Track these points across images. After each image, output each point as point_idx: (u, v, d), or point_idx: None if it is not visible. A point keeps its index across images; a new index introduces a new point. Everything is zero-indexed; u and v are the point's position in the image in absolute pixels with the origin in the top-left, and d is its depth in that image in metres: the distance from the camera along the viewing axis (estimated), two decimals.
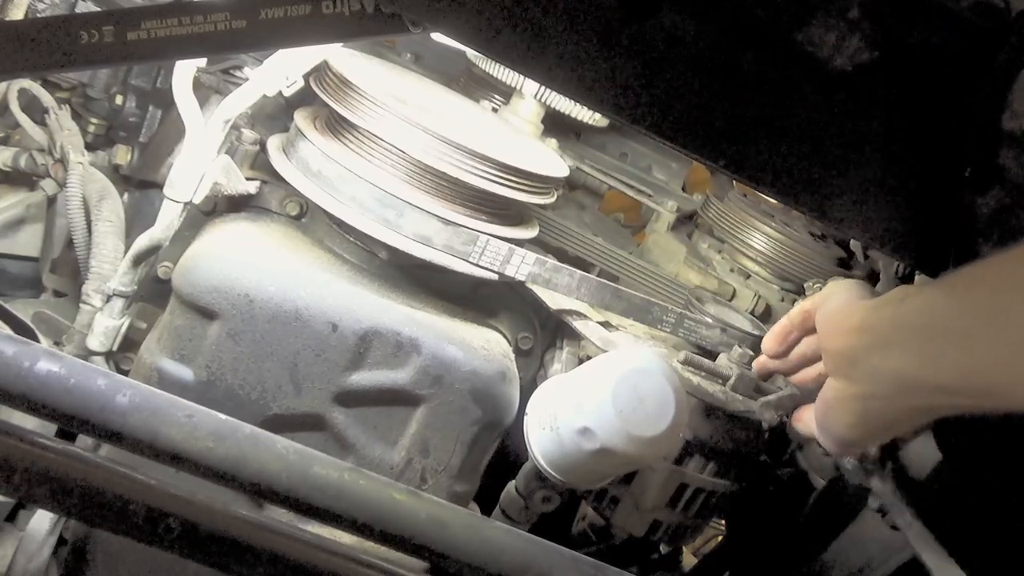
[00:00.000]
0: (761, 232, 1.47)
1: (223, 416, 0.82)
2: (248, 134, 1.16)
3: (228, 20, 0.75)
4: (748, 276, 1.46)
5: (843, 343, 0.76)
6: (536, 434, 1.04)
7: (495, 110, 1.45)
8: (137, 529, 0.78)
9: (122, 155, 1.44)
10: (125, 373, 1.12)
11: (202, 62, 1.25)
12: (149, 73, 1.43)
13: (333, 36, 0.79)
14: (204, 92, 1.28)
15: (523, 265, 1.13)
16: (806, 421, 0.90)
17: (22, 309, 1.21)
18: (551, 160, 1.24)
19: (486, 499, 1.19)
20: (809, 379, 0.97)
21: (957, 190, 0.80)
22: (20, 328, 1.14)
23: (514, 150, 1.16)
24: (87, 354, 1.14)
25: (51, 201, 1.44)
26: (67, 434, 0.96)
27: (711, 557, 1.57)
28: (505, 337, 1.19)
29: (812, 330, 0.93)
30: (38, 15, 1.28)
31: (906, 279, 1.35)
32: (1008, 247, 0.78)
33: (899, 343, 0.69)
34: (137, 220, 1.33)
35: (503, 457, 1.18)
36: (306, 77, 1.14)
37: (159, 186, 1.20)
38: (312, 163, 1.11)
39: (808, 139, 0.80)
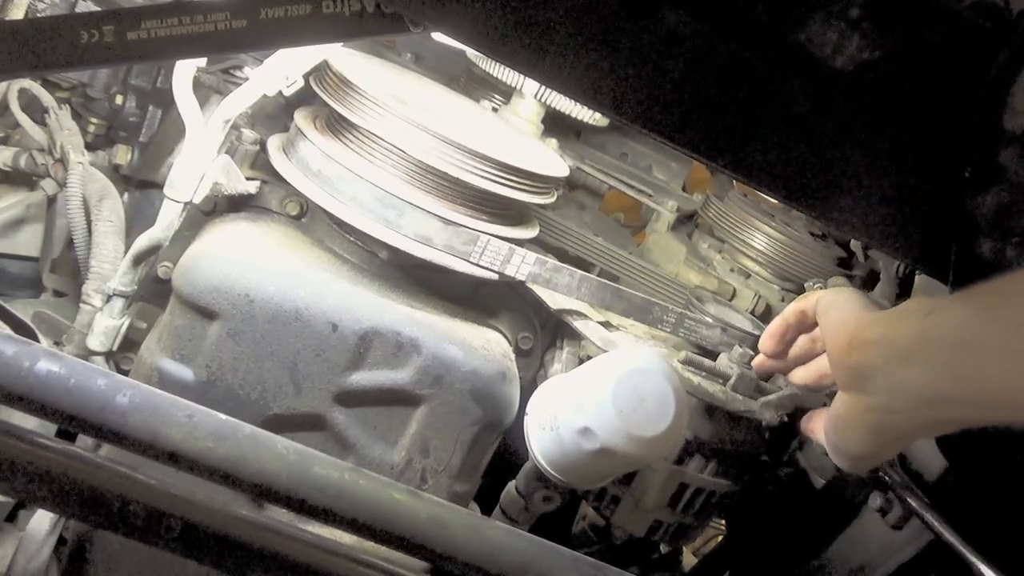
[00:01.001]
0: (761, 232, 1.47)
1: (223, 416, 0.82)
2: (248, 134, 1.16)
3: (228, 20, 0.75)
4: (748, 276, 1.46)
5: (858, 357, 0.73)
6: (536, 434, 1.04)
7: (495, 110, 1.45)
8: (137, 529, 0.78)
9: (122, 155, 1.44)
10: (125, 373, 1.12)
11: (202, 62, 1.26)
12: (149, 73, 1.43)
13: (333, 36, 0.79)
14: (204, 92, 1.28)
15: (523, 265, 1.13)
16: (817, 432, 0.88)
17: (22, 309, 1.21)
18: (551, 160, 1.24)
19: (486, 499, 1.19)
20: (808, 378, 0.97)
21: (957, 190, 0.80)
22: (20, 328, 1.14)
23: (514, 150, 1.16)
24: (87, 354, 1.14)
25: (51, 201, 1.44)
26: (67, 434, 0.96)
27: (711, 557, 1.57)
28: (505, 337, 1.19)
29: (808, 328, 0.92)
30: (38, 15, 1.28)
31: (906, 279, 1.35)
32: (1009, 247, 0.78)
33: (925, 357, 0.67)
34: (137, 220, 1.33)
35: (503, 457, 1.18)
36: (306, 77, 1.14)
37: (159, 186, 1.20)
38: (312, 163, 1.11)
39: (808, 139, 0.80)
